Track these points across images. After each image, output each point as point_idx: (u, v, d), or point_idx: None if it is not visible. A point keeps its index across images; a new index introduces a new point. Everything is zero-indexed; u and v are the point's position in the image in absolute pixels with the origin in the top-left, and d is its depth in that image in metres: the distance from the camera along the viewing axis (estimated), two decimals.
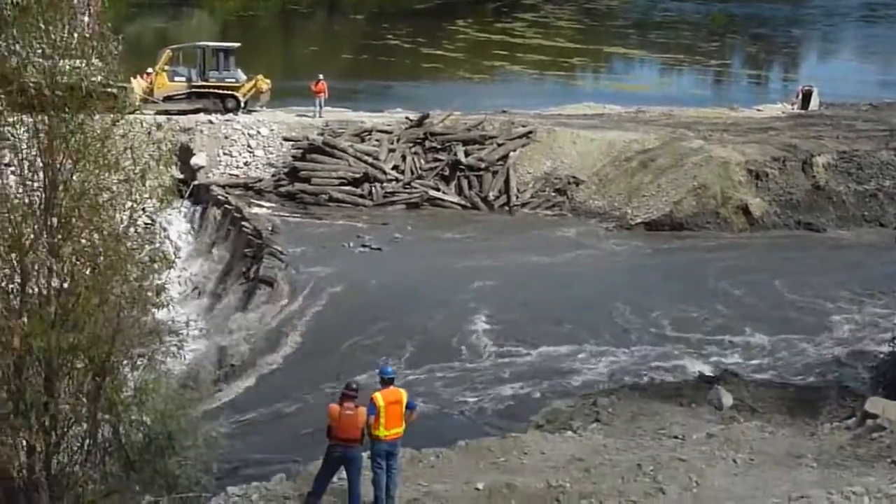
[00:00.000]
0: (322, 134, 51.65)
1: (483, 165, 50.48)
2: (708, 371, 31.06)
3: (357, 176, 49.20)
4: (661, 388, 28.97)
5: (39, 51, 18.11)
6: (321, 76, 55.95)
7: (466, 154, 50.70)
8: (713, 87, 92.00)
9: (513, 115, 57.43)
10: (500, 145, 51.96)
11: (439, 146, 51.69)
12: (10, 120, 18.11)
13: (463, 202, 49.43)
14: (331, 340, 34.37)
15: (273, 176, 50.14)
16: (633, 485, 20.16)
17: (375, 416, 18.87)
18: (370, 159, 49.92)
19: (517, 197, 49.75)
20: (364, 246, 42.56)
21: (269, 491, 20.13)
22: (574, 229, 46.49)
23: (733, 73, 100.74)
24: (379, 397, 18.96)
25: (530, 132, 53.13)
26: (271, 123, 53.17)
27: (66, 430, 18.61)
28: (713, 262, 42.04)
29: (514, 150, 51.83)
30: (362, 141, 51.89)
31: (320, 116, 55.23)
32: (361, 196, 48.74)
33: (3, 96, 18.06)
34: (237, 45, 58.38)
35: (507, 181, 50.33)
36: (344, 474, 19.35)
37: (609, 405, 26.79)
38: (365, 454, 19.26)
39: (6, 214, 17.71)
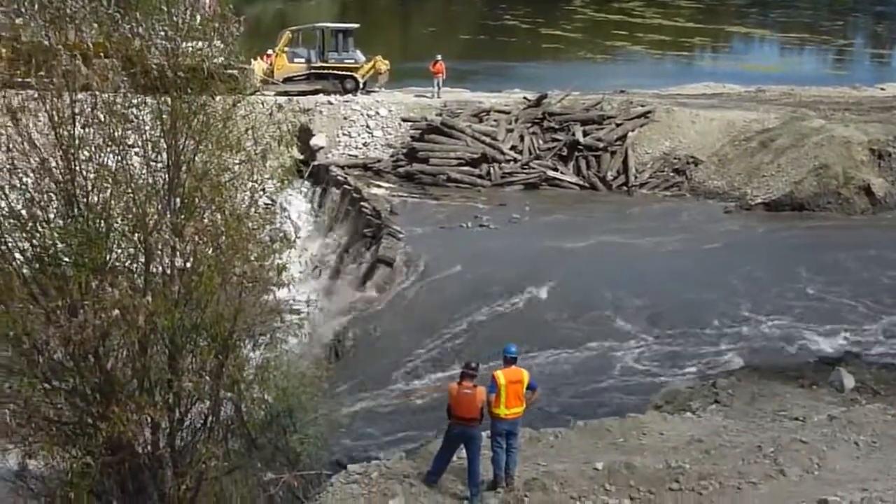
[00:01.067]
0: (440, 114, 51.71)
1: (601, 145, 50.17)
2: (829, 352, 30.57)
3: (475, 156, 49.20)
4: (782, 369, 28.55)
5: (162, 33, 18.38)
6: (439, 57, 56.04)
7: (585, 134, 50.42)
8: (835, 65, 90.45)
9: (631, 94, 57.04)
10: (618, 125, 51.60)
11: (557, 126, 51.47)
12: (134, 101, 18.39)
13: (581, 182, 49.17)
14: (449, 319, 34.42)
15: (391, 156, 50.37)
16: (753, 466, 19.95)
17: (496, 395, 18.89)
18: (488, 139, 49.88)
19: (635, 177, 49.37)
20: (481, 226, 42.56)
21: (389, 469, 20.25)
22: (693, 209, 46.03)
23: (856, 51, 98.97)
24: (500, 376, 18.96)
25: (649, 112, 52.67)
26: (390, 104, 53.39)
27: (189, 407, 18.91)
28: (835, 242, 41.25)
29: (633, 130, 51.44)
30: (480, 121, 51.86)
31: (438, 97, 55.33)
32: (479, 176, 48.73)
33: (127, 78, 18.35)
34: (356, 26, 58.66)
35: (625, 161, 49.97)
36: (464, 453, 19.39)
37: (728, 386, 26.50)
38: (485, 433, 19.29)
39: (131, 195, 17.99)
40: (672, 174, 49.59)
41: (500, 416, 19.04)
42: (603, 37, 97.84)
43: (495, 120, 51.97)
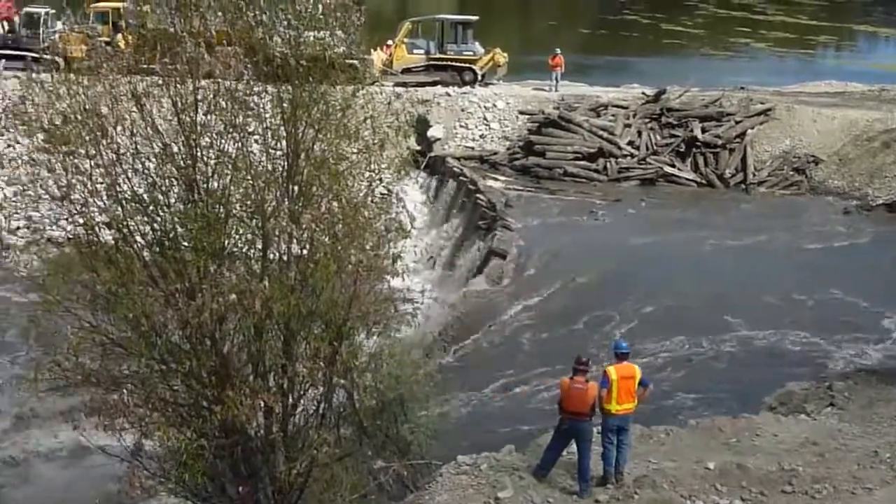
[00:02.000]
0: (558, 108, 51.56)
1: (720, 142, 49.62)
2: None
3: (592, 151, 48.98)
4: None
5: (285, 21, 18.58)
6: (558, 50, 55.92)
7: (703, 130, 49.94)
8: None
9: (751, 91, 56.26)
10: (737, 122, 50.96)
11: (675, 122, 51.02)
12: (256, 89, 18.60)
13: (698, 179, 48.68)
14: (561, 314, 34.35)
15: (508, 149, 50.36)
16: (869, 471, 19.62)
17: (608, 391, 18.78)
18: (605, 134, 49.64)
19: (754, 175, 48.72)
20: (596, 220, 42.38)
21: (499, 462, 20.24)
22: (812, 209, 45.27)
23: None
24: (612, 371, 18.86)
25: (769, 109, 51.95)
26: (507, 97, 53.37)
27: (302, 393, 19.09)
28: None
29: (752, 128, 50.77)
30: (598, 115, 51.63)
31: (556, 90, 55.21)
32: (595, 171, 48.51)
33: (249, 66, 18.57)
34: (476, 18, 58.74)
35: (743, 159, 49.35)
36: (574, 448, 19.33)
37: (845, 389, 26.04)
38: (596, 429, 19.21)
39: (250, 181, 18.21)
40: (791, 173, 48.80)
41: (611, 411, 18.93)
42: (724, 33, 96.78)
43: (613, 115, 51.70)
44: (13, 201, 43.79)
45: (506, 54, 56.24)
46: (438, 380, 24.52)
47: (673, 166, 48.96)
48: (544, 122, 50.34)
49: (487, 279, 38.09)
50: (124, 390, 18.80)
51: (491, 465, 20.09)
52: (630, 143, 49.91)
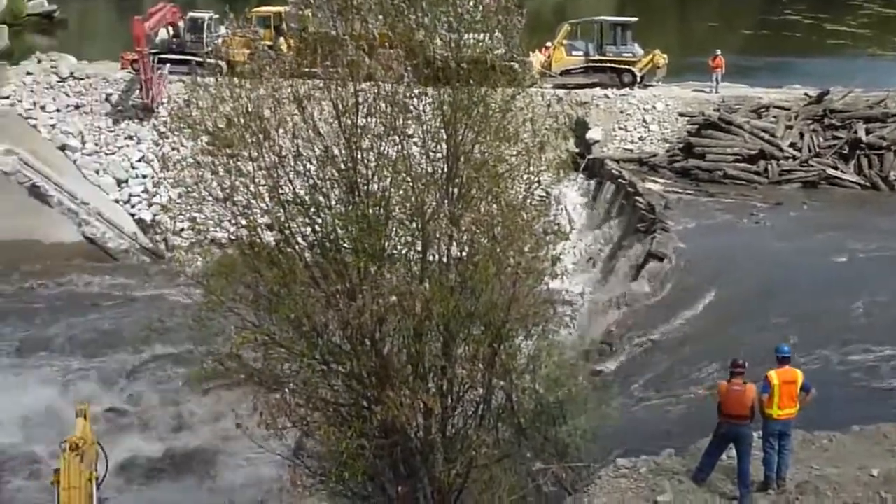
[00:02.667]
0: (718, 109, 50.88)
1: (885, 144, 48.33)
2: None
3: (752, 153, 48.18)
4: None
5: (446, 24, 18.64)
6: (718, 51, 55.20)
7: (867, 132, 48.72)
8: None
9: None
10: None
11: (839, 123, 49.86)
12: (416, 92, 18.72)
13: (862, 182, 47.47)
14: (720, 317, 33.87)
15: (667, 151, 49.85)
16: None
17: (769, 395, 18.51)
18: (766, 136, 48.78)
19: None
20: (757, 224, 41.71)
21: (658, 465, 20.08)
22: None
23: None
24: (773, 376, 18.57)
25: None
26: (667, 98, 52.89)
27: (461, 394, 19.16)
28: None
29: None
30: (759, 117, 50.78)
31: (717, 92, 54.50)
32: (756, 173, 47.69)
33: (409, 69, 18.70)
34: (635, 19, 58.31)
35: None
36: (733, 452, 19.08)
37: None
38: (756, 433, 18.93)
39: (410, 183, 18.33)
40: None
41: (772, 416, 18.65)
42: (891, 33, 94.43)
43: (774, 116, 50.77)
44: (178, 203, 44.74)
45: (665, 56, 55.71)
46: (597, 382, 24.40)
47: (836, 168, 47.85)
48: (704, 123, 49.70)
49: (646, 281, 37.77)
50: (286, 390, 19.08)
51: (650, 469, 19.94)
52: (792, 144, 48.93)
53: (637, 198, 43.86)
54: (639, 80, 54.76)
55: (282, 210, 18.85)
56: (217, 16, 53.75)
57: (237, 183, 18.80)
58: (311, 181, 18.77)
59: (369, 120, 18.48)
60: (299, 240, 18.99)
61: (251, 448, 22.28)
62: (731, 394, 18.59)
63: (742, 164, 47.69)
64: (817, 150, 48.53)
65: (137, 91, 50.55)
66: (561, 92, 48.40)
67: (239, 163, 18.80)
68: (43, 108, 50.97)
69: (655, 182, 46.86)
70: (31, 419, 33.54)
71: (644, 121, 51.35)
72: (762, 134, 48.65)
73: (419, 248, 18.62)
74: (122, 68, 53.05)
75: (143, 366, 36.98)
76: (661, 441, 23.07)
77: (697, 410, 26.09)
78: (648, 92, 53.80)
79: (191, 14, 55.56)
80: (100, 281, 44.97)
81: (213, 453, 32.08)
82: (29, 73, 52.45)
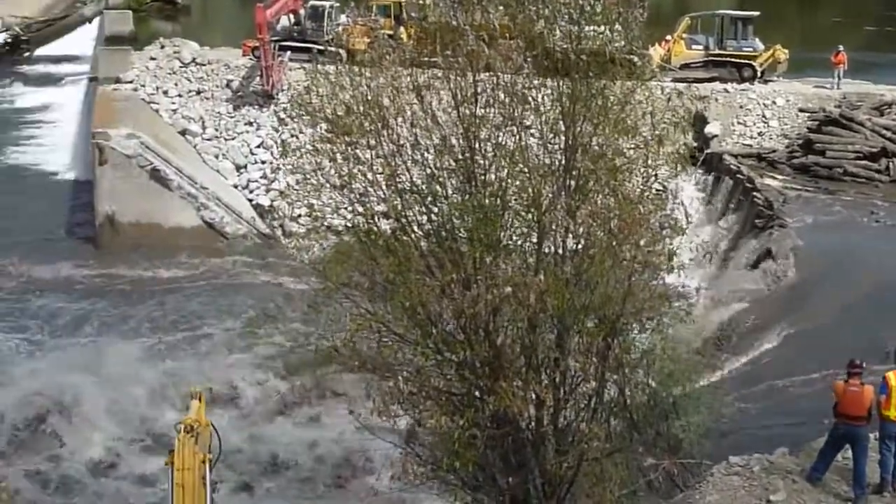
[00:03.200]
0: (839, 106, 50.08)
1: None
2: None
3: (874, 150, 47.30)
4: None
5: (566, 16, 18.59)
6: (841, 47, 54.29)
7: None
8: None
9: None
10: None
11: None
12: (535, 83, 18.69)
13: None
14: (838, 315, 33.38)
15: (786, 147, 49.16)
16: None
17: (886, 397, 18.23)
18: (889, 133, 47.88)
19: None
20: (877, 223, 40.98)
21: (772, 464, 19.89)
22: None
23: None
24: (892, 377, 18.28)
25: None
26: (787, 94, 52.16)
27: (574, 386, 19.10)
28: None
29: None
30: (881, 115, 49.88)
31: (838, 88, 53.63)
32: (877, 171, 46.80)
33: (528, 60, 18.67)
34: (756, 14, 57.55)
35: None
36: (849, 453, 18.83)
37: None
38: (873, 434, 18.65)
39: (526, 174, 18.29)
40: None
41: (889, 418, 18.36)
42: None
43: None
44: (295, 189, 45.25)
45: (786, 51, 54.94)
46: (711, 377, 24.19)
47: None
48: (825, 120, 48.93)
49: (763, 278, 37.37)
50: (399, 377, 19.18)
51: (763, 467, 19.75)
52: None
53: (755, 193, 43.41)
54: (759, 75, 54.07)
55: (399, 198, 18.96)
56: (338, 4, 54.18)
57: (355, 171, 18.95)
58: (429, 170, 18.84)
59: (487, 110, 18.50)
60: (415, 228, 19.07)
61: (362, 437, 22.40)
62: (847, 394, 18.35)
63: (862, 162, 46.86)
64: None
65: (258, 78, 51.02)
66: (680, 86, 47.93)
67: (357, 151, 18.94)
68: (165, 92, 51.66)
69: (774, 178, 46.26)
70: (146, 398, 34.15)
71: (763, 116, 50.71)
72: (884, 132, 47.78)
73: (535, 240, 18.58)
74: (244, 55, 53.67)
75: (256, 350, 37.35)
76: (775, 439, 22.83)
77: (813, 409, 25.74)
78: (769, 87, 53.11)
79: (312, 2, 55.94)
80: (217, 265, 45.53)
81: (321, 440, 32.27)
82: (152, 59, 53.22)
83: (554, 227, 18.37)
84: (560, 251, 18.55)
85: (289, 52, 52.67)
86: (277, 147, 48.42)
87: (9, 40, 74.54)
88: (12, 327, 39.88)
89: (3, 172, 54.73)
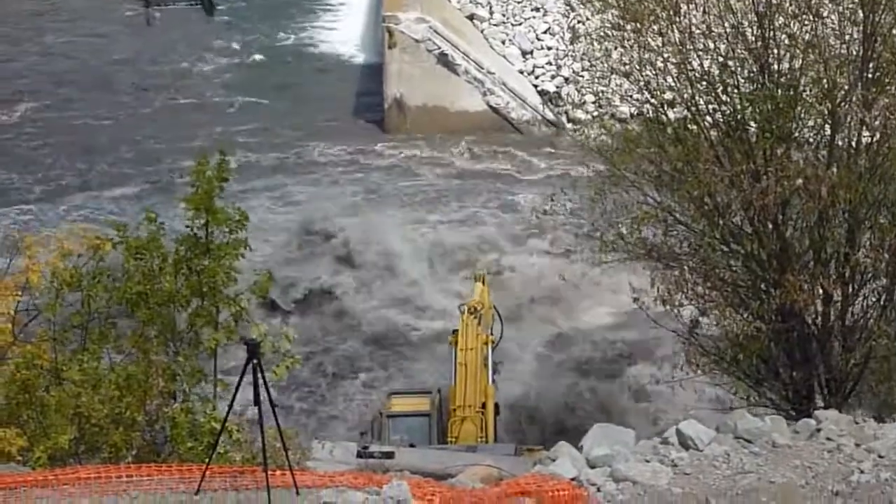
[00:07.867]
0: None
1: None
2: None
3: None
4: None
5: None
6: None
7: None
8: None
9: None
10: None
11: None
12: None
13: None
14: None
15: None
16: None
17: None
18: None
19: None
20: None
21: None
22: None
23: None
24: None
25: None
26: None
27: (864, 283, 18.66)
28: None
29: None
30: None
31: None
32: None
33: None
34: None
35: None
36: None
37: None
38: None
39: (821, 65, 17.79)
40: None
41: None
42: None
43: None
44: (582, 76, 45.11)
45: None
46: None
47: None
48: None
49: None
50: (684, 267, 19.15)
51: None
52: None
53: None
54: None
55: (689, 87, 18.76)
56: None
57: (644, 57, 18.82)
58: (720, 59, 18.56)
59: None
60: (705, 118, 18.88)
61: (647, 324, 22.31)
62: None
63: None
64: None
65: None
66: None
67: (647, 38, 18.79)
68: None
69: None
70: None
71: None
72: None
73: (828, 132, 18.14)
74: None
75: (535, 236, 37.75)
76: None
77: None
78: None
79: None
80: (501, 151, 45.80)
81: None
82: None
83: (849, 119, 17.87)
84: (854, 144, 18.05)
85: None
86: (565, 33, 48.14)
87: None
88: None
89: (296, 56, 56.28)
